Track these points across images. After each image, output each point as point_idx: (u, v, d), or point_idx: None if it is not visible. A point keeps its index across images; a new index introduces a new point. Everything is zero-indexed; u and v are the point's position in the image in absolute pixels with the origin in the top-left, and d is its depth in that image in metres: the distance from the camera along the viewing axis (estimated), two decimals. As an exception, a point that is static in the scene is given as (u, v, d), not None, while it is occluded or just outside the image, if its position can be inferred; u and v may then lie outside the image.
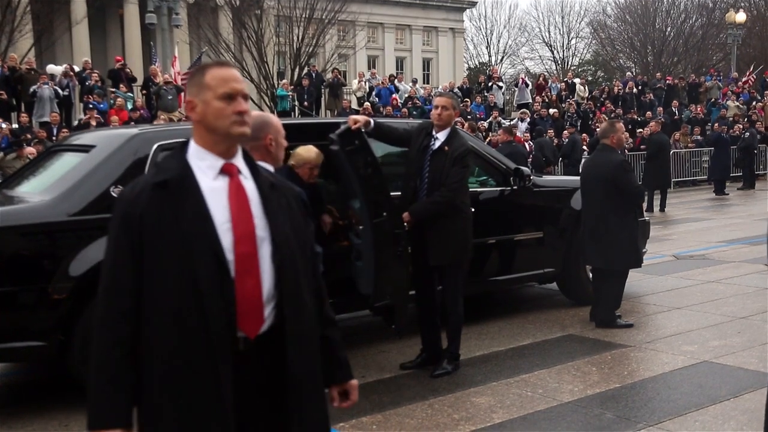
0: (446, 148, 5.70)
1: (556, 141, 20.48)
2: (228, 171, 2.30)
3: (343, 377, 2.58)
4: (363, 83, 25.64)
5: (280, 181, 2.47)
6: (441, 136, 5.77)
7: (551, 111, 23.39)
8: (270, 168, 3.03)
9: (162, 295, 2.18)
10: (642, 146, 20.35)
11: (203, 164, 2.28)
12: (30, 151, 13.43)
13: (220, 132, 2.28)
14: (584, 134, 21.20)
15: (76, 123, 18.79)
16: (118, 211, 2.25)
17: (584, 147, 19.64)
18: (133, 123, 17.02)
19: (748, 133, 22.15)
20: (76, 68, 21.28)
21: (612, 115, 23.38)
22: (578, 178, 7.52)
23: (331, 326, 2.55)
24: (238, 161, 2.34)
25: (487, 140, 19.35)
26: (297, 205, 2.45)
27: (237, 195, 2.28)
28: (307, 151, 5.43)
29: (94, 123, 17.16)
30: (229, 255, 2.21)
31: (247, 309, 2.23)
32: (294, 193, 2.48)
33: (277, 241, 2.29)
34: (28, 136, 16.08)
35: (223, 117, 2.27)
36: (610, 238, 6.83)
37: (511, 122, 21.58)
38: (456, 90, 25.53)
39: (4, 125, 16.78)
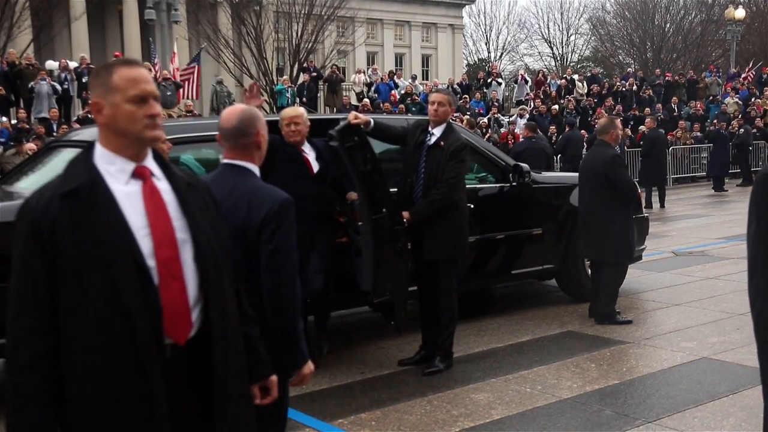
0: (442, 143, 5.71)
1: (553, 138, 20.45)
2: (140, 174, 2.19)
3: (263, 373, 2.56)
4: (365, 76, 25.61)
5: (195, 179, 2.39)
6: (437, 132, 5.78)
7: (553, 108, 23.34)
8: (256, 169, 3.05)
9: (82, 308, 2.06)
10: (641, 142, 20.33)
11: (113, 169, 2.16)
12: (29, 147, 13.40)
13: (131, 136, 2.17)
14: (582, 130, 21.15)
15: (75, 119, 18.76)
16: (24, 224, 2.10)
17: (585, 143, 19.60)
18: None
19: (742, 130, 22.15)
20: (73, 64, 21.26)
21: (614, 112, 23.37)
22: (576, 174, 7.54)
23: (249, 323, 2.50)
24: (150, 163, 2.23)
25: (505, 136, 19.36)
26: (214, 205, 2.39)
27: (152, 198, 2.18)
28: (285, 109, 5.84)
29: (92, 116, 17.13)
30: (150, 261, 2.12)
31: (174, 315, 2.15)
32: (211, 193, 2.41)
33: (199, 243, 2.21)
34: (26, 127, 16.04)
35: (134, 121, 2.16)
36: (601, 231, 6.93)
37: (522, 118, 21.48)
38: (455, 86, 25.50)
39: (4, 119, 16.78)
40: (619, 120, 7.57)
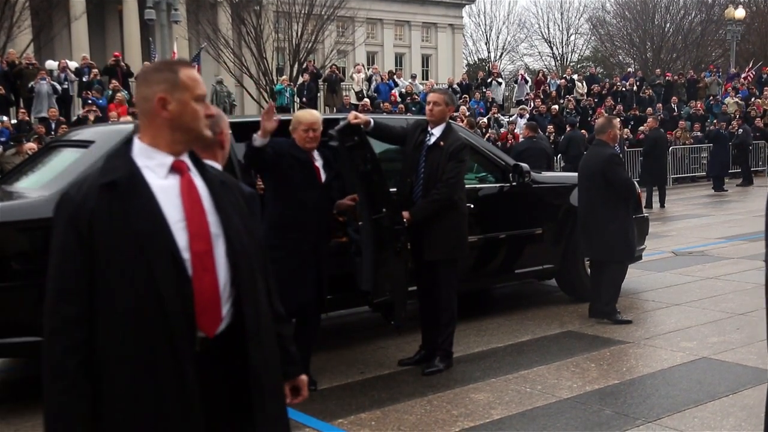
0: (442, 143, 5.71)
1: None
2: (178, 168, 2.25)
3: (294, 372, 2.56)
4: (364, 73, 25.60)
5: (228, 177, 2.44)
6: (436, 132, 5.78)
7: (553, 108, 23.33)
8: (218, 166, 2.96)
9: (118, 298, 2.10)
10: (643, 142, 20.33)
11: (152, 163, 2.22)
12: (30, 146, 13.41)
13: (193, 133, 2.26)
14: (583, 130, 21.16)
15: (74, 118, 18.76)
16: (63, 213, 2.16)
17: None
18: (131, 117, 17.02)
19: (741, 130, 22.15)
20: (73, 64, 21.25)
21: (614, 112, 23.38)
22: (576, 174, 7.56)
23: (281, 322, 2.51)
24: (186, 158, 2.29)
25: (506, 136, 19.33)
26: (245, 202, 2.42)
27: (189, 192, 2.23)
28: (302, 113, 5.53)
29: (92, 117, 17.16)
30: (185, 254, 2.16)
31: (205, 308, 2.18)
32: (242, 191, 2.45)
33: (231, 238, 2.25)
34: (29, 126, 16.06)
35: (199, 119, 2.25)
36: (600, 230, 6.95)
37: (522, 118, 21.48)
38: (455, 86, 25.49)
39: (5, 118, 16.79)
40: (617, 120, 7.58)
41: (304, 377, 2.59)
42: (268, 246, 4.97)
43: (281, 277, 4.82)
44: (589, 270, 7.82)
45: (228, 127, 3.00)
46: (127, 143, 2.25)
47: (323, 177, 5.38)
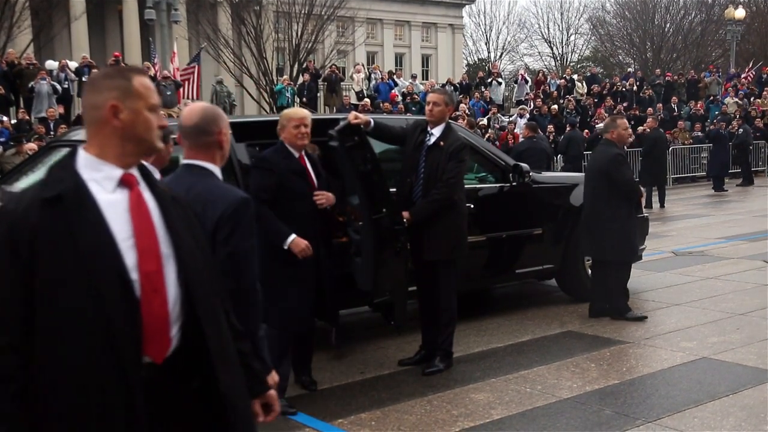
0: (442, 143, 5.71)
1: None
2: (127, 182, 2.10)
3: (262, 389, 2.47)
4: (364, 73, 25.60)
5: (178, 193, 2.32)
6: (436, 132, 5.78)
7: (553, 108, 23.33)
8: (217, 170, 2.88)
9: (61, 321, 1.94)
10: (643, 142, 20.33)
11: (98, 176, 2.06)
12: (30, 147, 13.41)
13: (145, 144, 2.13)
14: (586, 131, 21.18)
15: (74, 118, 18.77)
16: (1, 231, 1.97)
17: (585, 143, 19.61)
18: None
19: (741, 130, 22.15)
20: (73, 64, 21.25)
21: (614, 111, 23.37)
22: (577, 174, 7.59)
23: (241, 339, 2.40)
24: (135, 172, 2.15)
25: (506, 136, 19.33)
26: (195, 219, 2.31)
27: (138, 208, 2.08)
28: (290, 110, 5.34)
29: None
30: (133, 274, 2.02)
31: (153, 331, 2.04)
32: (192, 208, 2.35)
33: (182, 258, 2.12)
34: (30, 126, 16.05)
35: (152, 129, 2.13)
36: (603, 230, 6.97)
37: (520, 118, 21.49)
38: (455, 84, 25.49)
39: (5, 119, 16.79)
40: (623, 119, 7.52)
41: (272, 392, 2.51)
42: (263, 261, 4.97)
43: (279, 293, 4.82)
44: (589, 270, 7.84)
45: (228, 128, 2.94)
46: (71, 154, 2.10)
47: (315, 183, 5.18)
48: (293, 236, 4.88)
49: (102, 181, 2.07)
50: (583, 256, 7.71)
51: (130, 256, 2.03)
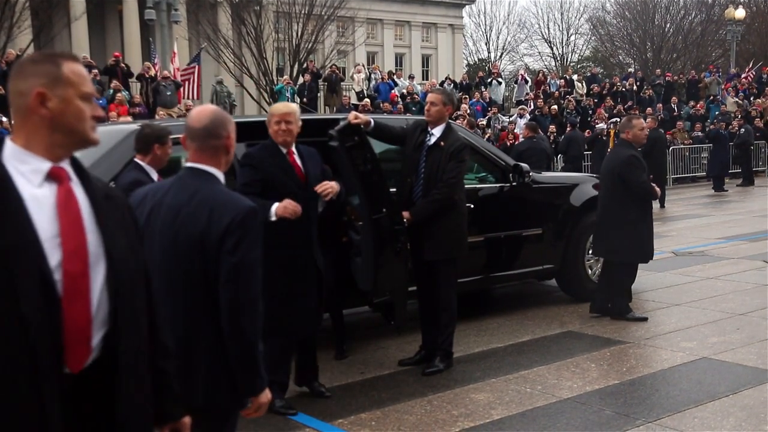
0: (442, 143, 5.71)
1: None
2: (56, 176, 1.94)
3: (175, 415, 2.27)
4: (365, 73, 25.59)
5: (113, 190, 2.17)
6: (436, 132, 5.78)
7: (553, 108, 23.33)
8: (221, 176, 2.80)
9: None
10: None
11: (25, 168, 1.91)
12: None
13: (77, 135, 1.98)
14: (588, 131, 21.20)
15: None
16: None
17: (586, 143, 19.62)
18: (131, 118, 17.03)
19: (743, 130, 22.15)
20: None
21: (615, 111, 23.39)
22: (577, 174, 7.58)
23: (165, 357, 2.23)
24: (67, 165, 1.99)
25: (506, 136, 19.34)
26: (132, 220, 2.16)
27: (67, 205, 1.93)
28: (276, 105, 5.21)
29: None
30: (57, 274, 1.86)
31: (74, 338, 1.89)
32: (130, 207, 2.20)
33: (113, 261, 1.98)
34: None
35: (84, 119, 1.98)
36: (613, 231, 6.96)
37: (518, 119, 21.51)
38: (454, 81, 25.50)
39: (5, 119, 16.75)
40: (639, 119, 7.45)
41: (186, 420, 2.32)
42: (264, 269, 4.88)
43: (281, 301, 4.75)
44: (589, 270, 7.86)
45: (234, 131, 2.87)
46: None
47: (305, 180, 4.94)
48: (275, 204, 4.68)
49: (28, 174, 1.91)
50: (585, 256, 7.77)
51: (54, 255, 1.87)
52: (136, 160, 4.87)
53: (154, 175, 4.90)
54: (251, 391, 2.68)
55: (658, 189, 7.27)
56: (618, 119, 19.06)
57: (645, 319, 7.06)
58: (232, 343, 2.63)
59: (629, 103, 24.94)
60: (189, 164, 2.82)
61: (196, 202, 2.69)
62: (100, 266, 1.96)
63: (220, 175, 2.81)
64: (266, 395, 2.70)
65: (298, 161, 4.95)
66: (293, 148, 4.96)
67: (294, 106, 5.11)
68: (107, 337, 1.98)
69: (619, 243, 6.94)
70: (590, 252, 7.83)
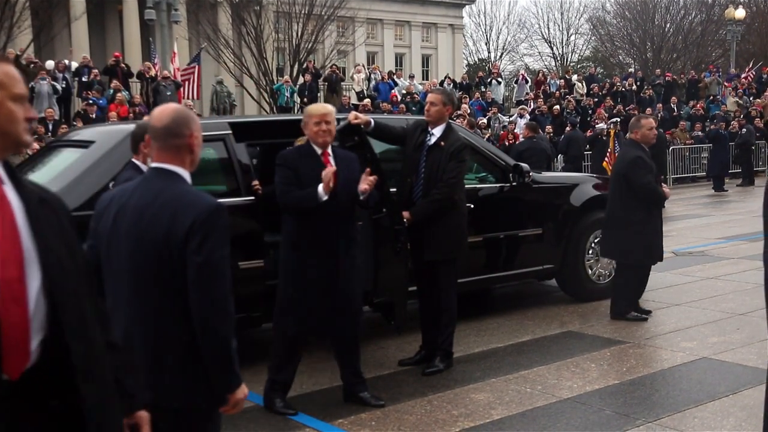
0: (442, 143, 5.71)
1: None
2: None
3: (132, 406, 2.25)
4: (365, 74, 25.60)
5: (48, 193, 2.10)
6: (437, 132, 5.78)
7: (554, 108, 23.33)
8: (187, 175, 2.77)
9: None
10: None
11: None
12: (32, 147, 13.41)
13: (10, 138, 1.93)
14: (589, 131, 21.19)
15: (74, 113, 18.79)
16: None
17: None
18: (132, 118, 17.05)
19: (745, 130, 22.15)
20: (73, 64, 21.25)
21: (614, 111, 23.39)
22: (577, 174, 7.57)
23: (115, 352, 2.20)
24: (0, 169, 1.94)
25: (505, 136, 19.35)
26: (69, 223, 2.10)
27: (0, 209, 1.88)
28: (313, 106, 5.14)
29: (92, 115, 17.21)
30: None
31: (11, 345, 1.84)
32: (66, 210, 2.13)
33: (49, 265, 1.93)
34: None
35: (16, 121, 1.93)
36: (619, 232, 6.94)
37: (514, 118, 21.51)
38: (454, 80, 25.50)
39: None
40: (648, 119, 7.39)
41: (143, 413, 2.29)
42: (286, 267, 4.82)
43: (296, 299, 4.82)
44: (589, 270, 7.85)
45: (199, 130, 2.82)
46: None
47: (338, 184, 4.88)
48: (319, 186, 4.69)
49: None
50: (585, 256, 7.78)
51: None
52: (132, 159, 4.87)
53: None
54: (226, 388, 2.67)
55: (668, 190, 7.20)
56: (618, 119, 19.12)
57: (645, 319, 7.05)
58: (204, 342, 2.62)
59: (630, 107, 24.91)
60: (153, 164, 2.79)
61: (160, 202, 2.66)
62: (35, 270, 1.91)
63: (186, 175, 2.77)
64: (242, 391, 2.70)
65: (332, 162, 4.91)
66: (329, 150, 4.96)
67: (330, 107, 5.11)
68: (46, 341, 1.94)
69: (624, 244, 6.91)
70: (590, 252, 7.83)
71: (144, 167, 4.88)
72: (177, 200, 2.66)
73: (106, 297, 2.75)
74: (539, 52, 58.12)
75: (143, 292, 2.67)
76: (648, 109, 24.35)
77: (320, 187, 4.70)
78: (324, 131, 4.86)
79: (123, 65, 22.00)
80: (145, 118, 15.78)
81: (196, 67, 22.87)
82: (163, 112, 2.81)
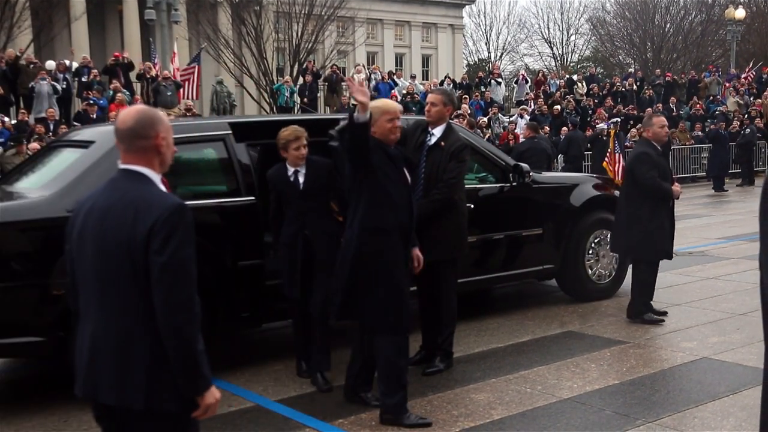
0: (443, 143, 5.71)
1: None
2: None
3: None
4: (365, 74, 25.59)
5: None
6: (437, 132, 5.78)
7: (555, 108, 23.32)
8: (156, 177, 2.73)
9: None
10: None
11: None
12: (33, 147, 13.43)
13: None
14: (589, 130, 21.20)
15: (75, 113, 18.78)
16: None
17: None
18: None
19: (748, 130, 22.14)
20: (74, 64, 21.24)
21: (614, 111, 23.39)
22: (577, 174, 7.57)
23: None
24: None
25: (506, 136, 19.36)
26: None
27: None
28: (384, 102, 5.08)
29: (93, 115, 17.21)
30: None
31: None
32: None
33: None
34: (26, 125, 16.04)
35: None
36: (625, 228, 6.96)
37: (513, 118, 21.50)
38: (454, 80, 25.49)
39: (6, 119, 16.78)
40: (659, 117, 7.36)
41: None
42: (360, 252, 4.75)
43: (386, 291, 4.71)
44: (589, 270, 7.85)
45: (168, 132, 2.77)
46: None
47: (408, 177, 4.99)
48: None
49: None
50: (585, 256, 7.80)
51: None
52: None
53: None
54: (193, 391, 2.62)
55: (679, 189, 7.14)
56: (618, 119, 19.12)
57: (663, 321, 6.99)
58: (168, 344, 2.58)
59: (628, 108, 24.91)
60: (121, 166, 2.77)
61: (124, 203, 2.65)
62: None
63: (155, 176, 2.74)
64: (212, 395, 2.65)
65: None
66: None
67: (399, 105, 5.13)
68: None
69: (631, 240, 6.94)
70: (590, 252, 7.84)
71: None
72: (140, 200, 2.64)
73: (79, 297, 2.77)
74: (539, 52, 58.16)
75: (108, 292, 2.65)
76: (648, 109, 24.34)
77: (357, 111, 4.53)
78: (397, 128, 4.88)
79: (124, 58, 21.95)
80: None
81: (196, 67, 22.87)
82: (128, 114, 2.77)
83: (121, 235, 2.61)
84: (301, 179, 5.49)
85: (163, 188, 2.74)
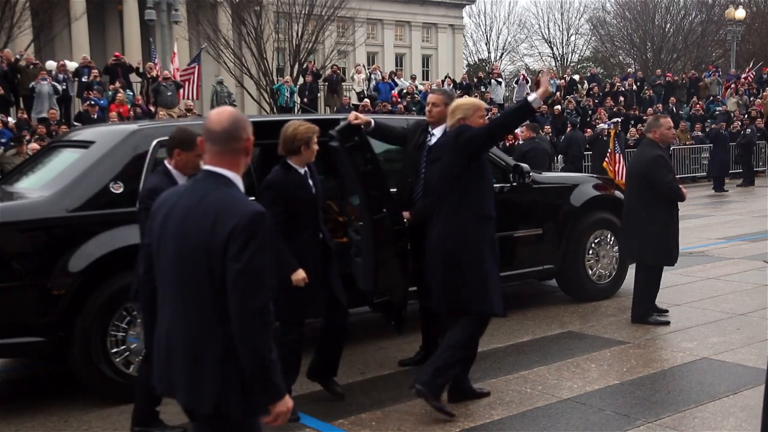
0: None
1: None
2: None
3: None
4: (365, 74, 25.59)
5: None
6: (437, 132, 5.78)
7: (555, 108, 23.31)
8: (238, 179, 2.70)
9: None
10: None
11: None
12: (33, 147, 13.44)
13: None
14: (588, 130, 21.19)
15: (76, 113, 18.78)
16: None
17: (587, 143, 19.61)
18: (133, 117, 17.05)
19: (749, 130, 22.13)
20: (73, 64, 21.24)
21: (614, 110, 23.37)
22: (577, 175, 7.55)
23: None
24: None
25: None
26: None
27: None
28: (471, 100, 5.40)
29: (94, 115, 17.21)
30: None
31: None
32: None
33: None
34: (25, 133, 16.03)
35: None
36: (639, 232, 6.89)
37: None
38: (454, 80, 25.47)
39: (10, 119, 16.79)
40: (666, 118, 7.28)
41: None
42: (475, 239, 4.97)
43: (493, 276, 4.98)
44: (589, 270, 7.85)
45: (252, 133, 2.77)
46: None
47: None
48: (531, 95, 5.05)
49: None
50: (585, 256, 7.79)
51: None
52: (165, 163, 4.67)
53: (182, 180, 4.49)
54: (268, 399, 2.62)
55: (685, 191, 7.13)
56: (618, 119, 19.11)
57: (667, 322, 6.96)
58: (242, 351, 2.58)
59: (620, 107, 24.90)
60: (206, 167, 2.74)
61: (204, 205, 2.65)
62: None
63: (237, 179, 2.72)
64: (285, 403, 2.63)
65: None
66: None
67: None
68: None
69: (645, 245, 6.85)
70: (590, 252, 7.84)
71: (175, 173, 4.56)
72: (220, 204, 2.63)
73: (157, 294, 2.80)
74: (539, 53, 58.17)
75: (184, 292, 2.67)
76: (648, 109, 24.35)
77: (538, 94, 5.04)
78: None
79: (124, 60, 21.96)
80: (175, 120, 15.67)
81: (196, 67, 22.86)
82: (221, 115, 2.74)
83: (200, 239, 2.60)
84: (310, 180, 5.10)
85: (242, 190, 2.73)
